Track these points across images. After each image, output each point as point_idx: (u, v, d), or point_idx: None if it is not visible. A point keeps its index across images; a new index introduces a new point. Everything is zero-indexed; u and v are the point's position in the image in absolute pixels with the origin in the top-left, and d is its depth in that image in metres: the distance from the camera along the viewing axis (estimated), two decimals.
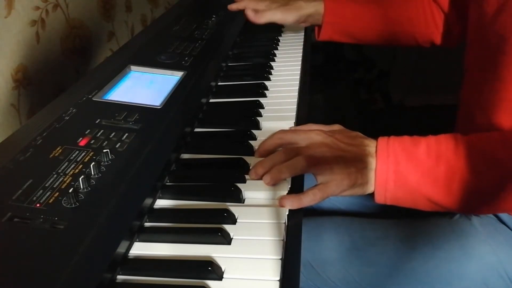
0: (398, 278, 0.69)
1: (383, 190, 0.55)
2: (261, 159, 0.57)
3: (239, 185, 0.54)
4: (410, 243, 0.70)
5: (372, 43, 0.94)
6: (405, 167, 0.53)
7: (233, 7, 0.96)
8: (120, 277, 0.44)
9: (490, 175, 0.52)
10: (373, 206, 0.90)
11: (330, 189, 0.53)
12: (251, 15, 0.86)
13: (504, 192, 0.52)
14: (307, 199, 0.52)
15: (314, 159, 0.54)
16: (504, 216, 0.71)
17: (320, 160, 0.54)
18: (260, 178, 0.54)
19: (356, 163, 0.54)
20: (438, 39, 0.90)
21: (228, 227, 0.48)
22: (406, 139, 0.56)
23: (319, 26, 0.93)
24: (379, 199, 0.56)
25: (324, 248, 0.72)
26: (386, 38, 0.91)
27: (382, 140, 0.56)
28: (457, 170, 0.52)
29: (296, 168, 0.54)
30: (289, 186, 0.54)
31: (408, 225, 0.74)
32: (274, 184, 0.53)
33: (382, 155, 0.54)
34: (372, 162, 0.55)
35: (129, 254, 0.46)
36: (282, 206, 0.51)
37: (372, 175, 0.55)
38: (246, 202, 0.53)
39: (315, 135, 0.57)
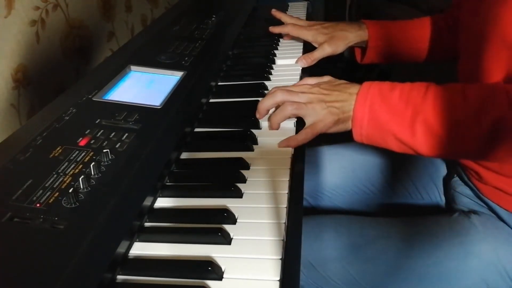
0: (397, 276, 0.69)
1: (359, 128, 0.62)
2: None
3: (239, 185, 0.54)
4: (409, 241, 0.70)
5: (403, 61, 0.98)
6: (379, 107, 0.61)
7: (275, 30, 0.99)
8: (120, 277, 0.44)
9: (449, 119, 0.58)
10: (373, 205, 0.90)
11: (318, 127, 0.63)
12: (302, 63, 0.88)
13: (461, 135, 0.58)
14: (301, 137, 0.63)
15: (298, 103, 0.64)
16: (503, 214, 0.71)
17: (304, 103, 0.63)
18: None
19: (337, 102, 0.63)
20: (440, 54, 0.94)
21: (228, 227, 0.48)
22: (386, 84, 0.63)
23: (360, 48, 0.96)
24: (356, 136, 0.63)
25: (323, 246, 0.72)
26: (412, 56, 0.94)
27: (366, 84, 0.63)
28: (420, 112, 0.59)
29: (285, 112, 0.64)
30: (289, 179, 0.55)
31: (407, 223, 0.74)
32: (276, 127, 0.66)
33: (362, 97, 0.62)
34: (352, 102, 0.62)
35: (129, 254, 0.46)
36: (281, 146, 0.62)
37: (351, 113, 0.62)
38: (246, 202, 0.53)
39: (303, 88, 0.66)
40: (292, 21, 0.97)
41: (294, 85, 0.69)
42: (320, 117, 0.63)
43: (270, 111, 0.68)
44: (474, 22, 0.69)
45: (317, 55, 0.89)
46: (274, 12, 1.00)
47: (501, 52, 0.63)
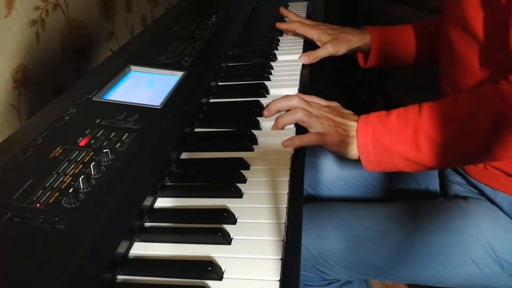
0: (384, 253, 0.72)
1: (366, 154, 0.64)
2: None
3: (239, 185, 0.54)
4: (394, 218, 0.73)
5: (403, 65, 0.99)
6: (380, 132, 0.64)
7: (282, 26, 1.02)
8: (120, 277, 0.44)
9: (448, 127, 0.60)
10: (373, 198, 0.92)
11: (324, 137, 0.65)
12: (305, 59, 0.90)
13: (464, 140, 0.61)
14: (306, 139, 0.64)
15: (310, 112, 0.66)
16: (490, 192, 0.73)
17: (315, 115, 0.66)
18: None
19: (343, 125, 0.66)
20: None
21: (228, 227, 0.48)
22: (382, 112, 0.66)
23: (362, 53, 0.98)
24: (366, 165, 0.65)
25: (317, 230, 0.74)
26: (415, 60, 0.96)
27: (363, 115, 0.67)
28: (420, 128, 0.61)
29: (296, 116, 0.66)
30: (289, 179, 0.55)
31: (394, 204, 0.77)
32: (281, 128, 0.66)
33: (362, 125, 0.65)
34: (355, 129, 0.65)
35: (129, 254, 0.46)
36: (286, 146, 0.62)
37: (355, 138, 0.65)
38: (246, 202, 0.53)
39: (314, 104, 0.69)
40: (299, 19, 1.00)
41: (308, 96, 0.71)
42: (326, 131, 0.65)
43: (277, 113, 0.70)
44: (447, 13, 0.73)
45: (319, 53, 0.91)
46: (282, 10, 1.04)
47: (469, 40, 0.66)
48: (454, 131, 0.60)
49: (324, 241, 0.73)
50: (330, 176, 0.92)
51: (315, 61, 0.90)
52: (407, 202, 0.77)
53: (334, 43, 0.91)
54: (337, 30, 0.94)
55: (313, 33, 0.94)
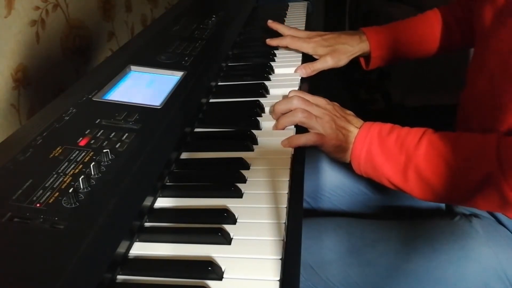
0: (397, 279, 0.69)
1: (357, 164, 0.65)
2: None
3: (239, 185, 0.54)
4: (410, 244, 0.70)
5: (410, 60, 0.97)
6: (375, 149, 0.63)
7: (273, 42, 0.93)
8: (120, 277, 0.44)
9: (439, 171, 0.59)
10: (374, 207, 0.90)
11: (323, 138, 0.64)
12: (302, 72, 0.85)
13: (451, 185, 0.60)
14: (304, 138, 0.63)
15: (309, 113, 0.65)
16: (504, 218, 0.71)
17: (315, 116, 0.65)
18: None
19: (344, 129, 0.65)
20: (448, 48, 0.93)
21: (228, 227, 0.48)
22: (386, 127, 0.65)
23: (365, 57, 0.95)
24: (355, 170, 0.67)
25: (323, 248, 0.72)
26: (418, 54, 0.94)
27: (367, 123, 0.66)
28: (412, 160, 0.61)
29: (295, 118, 0.66)
30: (289, 179, 0.55)
31: (408, 226, 0.74)
32: (281, 128, 0.66)
33: (362, 135, 0.65)
34: (354, 136, 0.65)
35: (129, 254, 0.46)
36: (284, 146, 0.62)
37: (351, 146, 0.65)
38: (246, 202, 0.53)
39: (318, 102, 0.68)
40: (291, 32, 0.93)
41: (311, 96, 0.70)
42: (325, 133, 0.65)
43: None
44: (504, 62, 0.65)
45: (318, 66, 0.86)
46: (271, 23, 0.95)
47: None
48: (444, 178, 0.60)
49: (332, 262, 0.71)
50: (329, 182, 0.90)
51: (313, 73, 0.86)
52: (421, 224, 0.74)
53: (333, 56, 0.87)
54: (333, 40, 0.89)
55: (308, 48, 0.89)
